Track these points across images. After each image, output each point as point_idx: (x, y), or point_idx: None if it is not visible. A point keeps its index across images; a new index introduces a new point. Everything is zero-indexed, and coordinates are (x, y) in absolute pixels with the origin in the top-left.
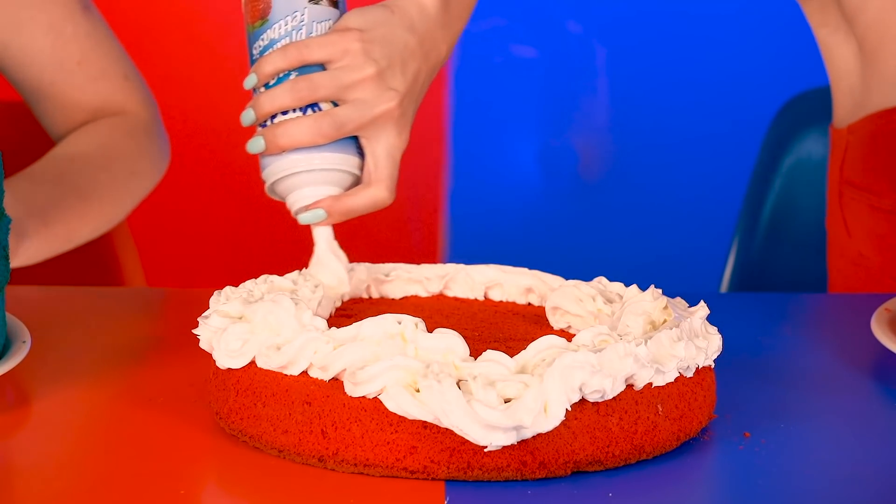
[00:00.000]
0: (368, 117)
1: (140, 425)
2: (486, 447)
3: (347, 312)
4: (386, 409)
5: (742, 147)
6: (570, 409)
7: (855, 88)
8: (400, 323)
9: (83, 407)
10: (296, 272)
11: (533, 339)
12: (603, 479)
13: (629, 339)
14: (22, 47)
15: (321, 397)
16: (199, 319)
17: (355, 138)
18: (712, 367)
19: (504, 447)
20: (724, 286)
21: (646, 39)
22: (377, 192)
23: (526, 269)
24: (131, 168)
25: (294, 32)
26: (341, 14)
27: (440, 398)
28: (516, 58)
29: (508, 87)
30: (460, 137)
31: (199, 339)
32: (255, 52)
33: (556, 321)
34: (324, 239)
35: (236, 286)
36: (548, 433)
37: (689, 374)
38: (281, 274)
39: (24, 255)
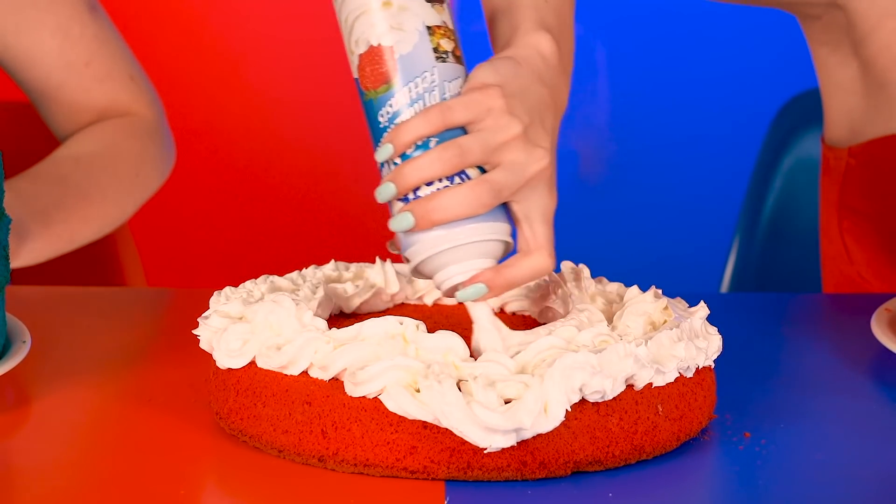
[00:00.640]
0: (523, 180)
1: (140, 425)
2: (485, 449)
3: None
4: (386, 409)
5: (742, 147)
6: (569, 409)
7: (854, 109)
8: (401, 324)
9: (83, 407)
10: (296, 272)
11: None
12: (603, 479)
13: (629, 340)
14: (29, 48)
15: (321, 397)
16: (199, 320)
17: (503, 203)
18: (712, 367)
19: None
20: (724, 286)
21: (646, 39)
22: (539, 261)
23: None
24: (135, 169)
25: (426, 95)
26: (465, 70)
27: (440, 399)
28: None
29: None
30: None
31: (199, 339)
32: (381, 120)
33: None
34: (485, 315)
35: (236, 286)
36: (548, 433)
37: (689, 375)
38: (281, 274)
39: (26, 255)
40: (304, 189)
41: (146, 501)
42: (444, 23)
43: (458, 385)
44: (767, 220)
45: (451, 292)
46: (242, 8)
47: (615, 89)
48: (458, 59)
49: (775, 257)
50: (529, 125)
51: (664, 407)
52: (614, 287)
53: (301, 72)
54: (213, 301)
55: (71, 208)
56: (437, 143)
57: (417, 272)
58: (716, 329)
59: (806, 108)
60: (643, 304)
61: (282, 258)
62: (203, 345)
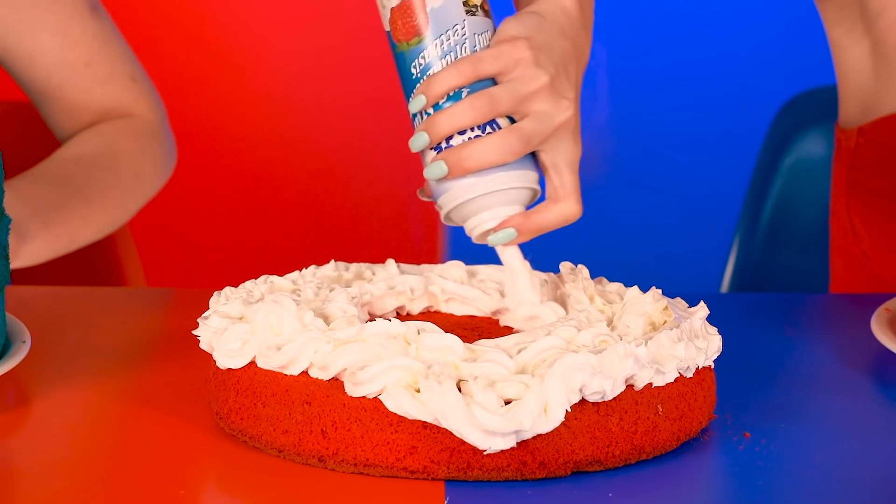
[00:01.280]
0: (550, 129)
1: (140, 425)
2: (485, 451)
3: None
4: (386, 409)
5: (742, 147)
6: (569, 409)
7: (865, 89)
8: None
9: (83, 407)
10: (296, 272)
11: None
12: (603, 479)
13: (629, 340)
14: (30, 49)
15: (321, 397)
16: (199, 320)
17: (532, 153)
18: (712, 367)
19: None
20: (724, 286)
21: (646, 39)
22: (568, 208)
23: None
24: (136, 170)
25: (458, 47)
26: (493, 23)
27: (440, 400)
28: None
29: None
30: None
31: (199, 339)
32: (413, 71)
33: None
34: (517, 258)
35: (236, 286)
36: (548, 433)
37: (689, 375)
38: (281, 274)
39: (26, 256)
40: (304, 189)
41: (146, 501)
42: None
43: (458, 385)
44: (767, 220)
45: (482, 237)
46: (244, 9)
47: (615, 89)
48: (486, 13)
49: (775, 257)
50: (555, 76)
51: (664, 407)
52: (614, 287)
53: (302, 72)
54: (213, 301)
55: (71, 209)
56: (468, 93)
57: (449, 219)
58: (716, 329)
59: (806, 108)
60: (643, 304)
61: (282, 258)
62: (203, 345)
